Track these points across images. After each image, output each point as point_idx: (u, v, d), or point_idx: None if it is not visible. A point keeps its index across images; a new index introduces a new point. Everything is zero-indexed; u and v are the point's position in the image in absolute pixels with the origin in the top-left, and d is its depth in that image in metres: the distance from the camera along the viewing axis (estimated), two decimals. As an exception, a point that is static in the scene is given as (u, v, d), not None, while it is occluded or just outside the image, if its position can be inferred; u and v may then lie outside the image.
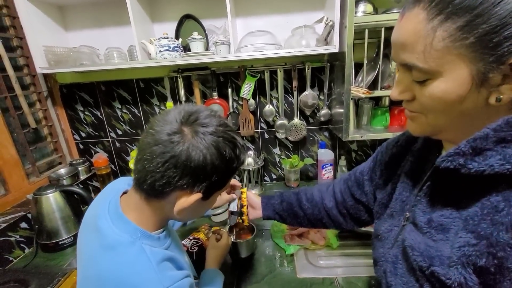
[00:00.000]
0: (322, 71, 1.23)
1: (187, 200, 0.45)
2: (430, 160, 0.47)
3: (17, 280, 0.80)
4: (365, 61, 1.00)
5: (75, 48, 1.14)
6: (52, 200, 0.99)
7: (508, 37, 0.31)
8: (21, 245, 1.01)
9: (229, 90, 1.27)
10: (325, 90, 1.24)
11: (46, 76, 1.29)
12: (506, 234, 0.32)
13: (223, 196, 0.85)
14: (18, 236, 1.00)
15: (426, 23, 0.34)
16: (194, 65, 1.23)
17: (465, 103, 0.35)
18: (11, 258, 0.96)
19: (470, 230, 0.36)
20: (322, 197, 0.75)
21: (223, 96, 1.29)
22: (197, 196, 0.45)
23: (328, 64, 1.18)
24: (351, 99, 1.02)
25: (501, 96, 0.34)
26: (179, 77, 1.24)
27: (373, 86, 1.04)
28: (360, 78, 1.10)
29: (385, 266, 0.50)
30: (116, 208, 0.48)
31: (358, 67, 1.12)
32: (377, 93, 1.00)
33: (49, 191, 0.99)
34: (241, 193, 0.85)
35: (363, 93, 0.93)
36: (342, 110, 1.06)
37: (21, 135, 1.16)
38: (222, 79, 1.28)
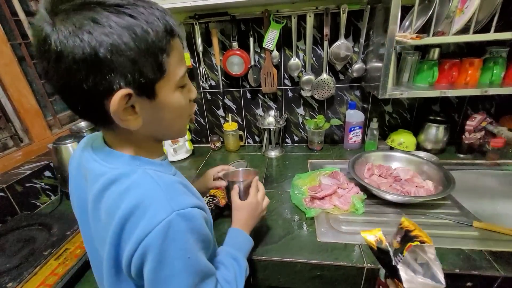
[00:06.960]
0: (359, 17, 1.05)
1: (113, 101, 0.33)
2: None
3: (41, 223, 0.83)
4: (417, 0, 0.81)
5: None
6: (71, 150, 0.98)
7: None
8: (47, 192, 1.05)
9: (251, 40, 1.14)
10: (362, 40, 1.06)
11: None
12: None
13: (214, 183, 0.80)
14: (43, 184, 1.03)
15: None
16: (212, 10, 1.10)
17: None
18: (38, 203, 1.01)
19: None
20: None
21: (244, 47, 1.17)
22: (121, 92, 0.33)
23: (369, 6, 0.99)
24: (394, 49, 0.86)
25: None
26: (196, 24, 1.12)
27: (423, 32, 0.86)
28: (407, 23, 0.92)
29: None
30: (102, 147, 0.42)
31: (405, 11, 0.92)
32: (429, 39, 0.82)
33: (68, 141, 0.98)
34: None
35: (411, 38, 0.76)
36: (379, 64, 0.91)
37: (40, 86, 1.15)
38: (243, 27, 1.15)
